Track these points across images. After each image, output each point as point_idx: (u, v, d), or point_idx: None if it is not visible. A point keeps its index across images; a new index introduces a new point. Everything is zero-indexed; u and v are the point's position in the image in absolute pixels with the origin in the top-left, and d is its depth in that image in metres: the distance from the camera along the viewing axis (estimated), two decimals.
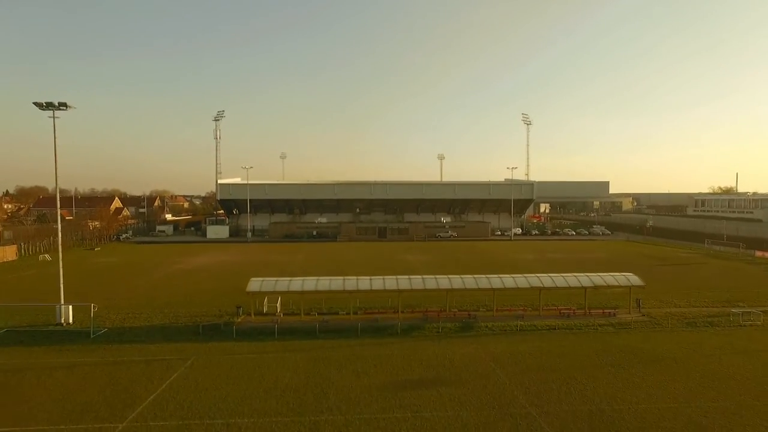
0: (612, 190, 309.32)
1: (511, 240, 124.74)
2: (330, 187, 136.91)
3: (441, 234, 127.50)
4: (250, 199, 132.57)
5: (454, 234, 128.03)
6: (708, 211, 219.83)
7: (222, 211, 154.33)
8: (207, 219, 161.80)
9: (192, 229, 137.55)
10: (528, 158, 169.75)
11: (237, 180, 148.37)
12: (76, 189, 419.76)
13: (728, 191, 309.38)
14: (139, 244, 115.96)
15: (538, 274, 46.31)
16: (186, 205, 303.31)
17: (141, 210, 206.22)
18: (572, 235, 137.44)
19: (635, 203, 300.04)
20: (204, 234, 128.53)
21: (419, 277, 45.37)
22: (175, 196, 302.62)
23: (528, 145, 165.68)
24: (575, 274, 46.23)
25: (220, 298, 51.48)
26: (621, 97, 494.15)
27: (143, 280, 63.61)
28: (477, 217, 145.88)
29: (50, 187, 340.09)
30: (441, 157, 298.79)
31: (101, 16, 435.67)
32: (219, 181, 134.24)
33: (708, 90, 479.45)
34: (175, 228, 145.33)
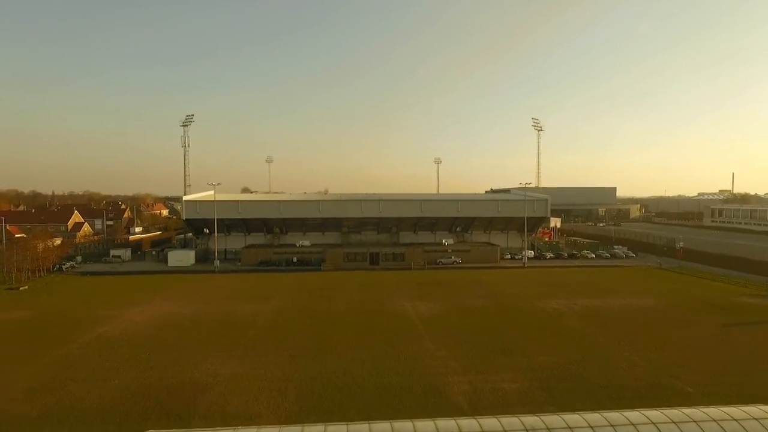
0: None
1: (524, 267, 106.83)
2: (314, 204, 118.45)
3: (443, 260, 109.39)
4: (221, 219, 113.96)
5: (458, 260, 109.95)
6: (728, 222, 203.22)
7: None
8: (176, 236, 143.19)
9: (153, 252, 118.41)
10: (539, 166, 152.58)
11: (209, 193, 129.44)
12: (53, 192, 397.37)
13: (738, 196, 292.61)
14: (84, 275, 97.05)
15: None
16: (165, 213, 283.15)
17: (108, 223, 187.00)
18: (592, 258, 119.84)
19: (643, 210, 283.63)
20: (166, 260, 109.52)
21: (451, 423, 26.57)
22: (153, 203, 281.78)
23: (539, 154, 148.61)
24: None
25: (123, 426, 32.98)
26: (618, 100, 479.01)
27: (29, 368, 44.78)
28: (482, 236, 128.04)
29: (26, 190, 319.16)
30: (438, 161, 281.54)
31: (95, 16, 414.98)
32: (184, 198, 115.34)
33: (703, 92, 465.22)
34: (136, 250, 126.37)
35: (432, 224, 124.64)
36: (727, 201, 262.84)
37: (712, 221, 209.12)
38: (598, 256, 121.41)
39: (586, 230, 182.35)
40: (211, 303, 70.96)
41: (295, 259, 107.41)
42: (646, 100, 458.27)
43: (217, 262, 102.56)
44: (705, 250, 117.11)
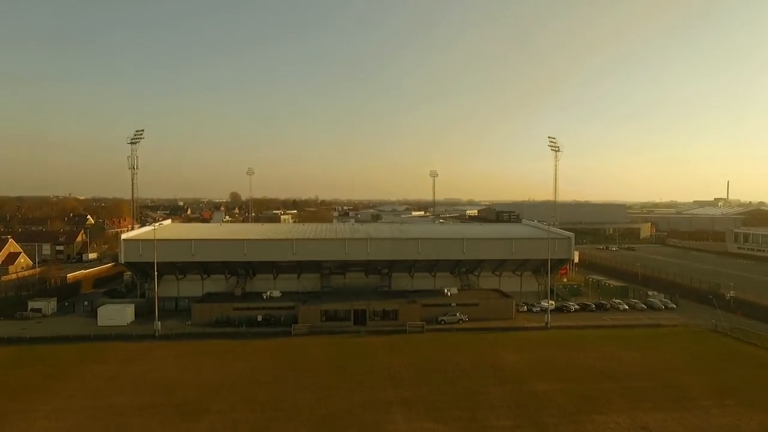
0: (605, 195, 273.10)
1: (548, 329, 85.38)
2: (287, 245, 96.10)
3: (446, 318, 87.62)
4: (173, 262, 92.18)
5: (464, 317, 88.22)
6: (756, 250, 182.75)
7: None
8: (126, 273, 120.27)
9: (86, 303, 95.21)
10: (556, 190, 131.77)
11: (164, 224, 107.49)
12: (21, 196, 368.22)
13: (756, 214, 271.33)
14: None
15: None
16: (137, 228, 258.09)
17: (59, 248, 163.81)
18: (625, 309, 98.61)
19: (654, 229, 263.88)
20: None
21: None
22: (123, 218, 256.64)
23: (556, 178, 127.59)
24: None
25: None
26: (613, 105, 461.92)
27: None
28: (491, 279, 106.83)
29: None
30: (433, 174, 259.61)
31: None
32: (123, 237, 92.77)
33: (698, 97, 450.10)
34: (70, 295, 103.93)
35: (431, 265, 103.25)
36: (745, 220, 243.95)
37: (738, 248, 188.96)
38: (632, 307, 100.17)
39: (603, 259, 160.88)
40: (108, 419, 48.53)
41: (259, 318, 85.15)
42: (640, 105, 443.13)
43: (158, 325, 79.89)
44: (762, 302, 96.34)
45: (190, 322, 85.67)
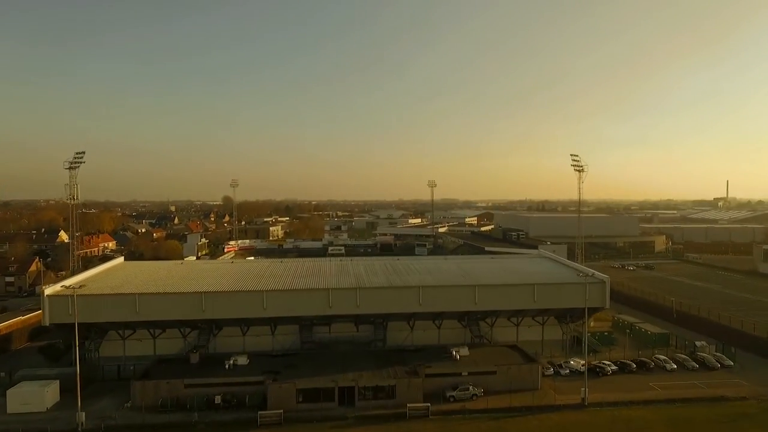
0: (600, 195, 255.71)
1: (586, 408, 67.15)
2: (256, 297, 77.09)
3: (455, 394, 69.21)
4: (115, 322, 73.87)
5: (479, 392, 69.84)
6: None
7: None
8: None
9: (3, 375, 75.70)
10: (579, 213, 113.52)
11: (114, 264, 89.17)
12: None
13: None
14: None
15: None
16: (111, 246, 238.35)
17: (9, 279, 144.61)
18: (672, 369, 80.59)
19: (669, 242, 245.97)
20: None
21: None
22: (95, 235, 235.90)
23: (580, 200, 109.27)
24: None
25: None
26: (611, 102, 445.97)
27: None
28: (508, 331, 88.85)
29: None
30: (432, 185, 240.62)
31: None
32: (47, 292, 73.59)
33: (697, 97, 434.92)
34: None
35: (436, 314, 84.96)
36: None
37: None
38: (680, 365, 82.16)
39: (624, 285, 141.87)
40: None
41: (218, 400, 66.43)
42: (637, 103, 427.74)
43: (81, 417, 61.01)
44: None
45: (129, 405, 66.97)
